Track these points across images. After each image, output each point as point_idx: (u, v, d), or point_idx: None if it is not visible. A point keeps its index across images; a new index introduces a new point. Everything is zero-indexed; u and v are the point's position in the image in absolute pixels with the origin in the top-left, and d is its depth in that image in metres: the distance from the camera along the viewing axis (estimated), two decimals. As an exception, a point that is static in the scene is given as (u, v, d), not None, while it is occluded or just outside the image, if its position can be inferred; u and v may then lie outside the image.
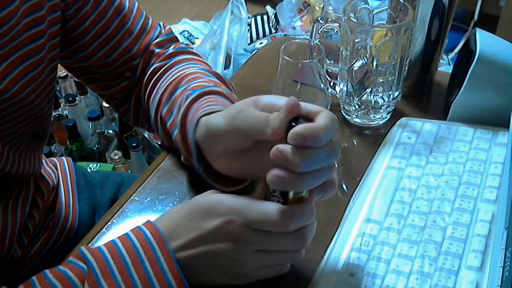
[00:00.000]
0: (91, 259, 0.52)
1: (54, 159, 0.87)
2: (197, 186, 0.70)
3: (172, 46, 0.77)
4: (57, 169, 0.84)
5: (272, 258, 0.54)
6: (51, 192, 0.79)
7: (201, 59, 0.77)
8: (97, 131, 1.65)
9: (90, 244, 0.64)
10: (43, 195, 0.77)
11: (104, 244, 0.54)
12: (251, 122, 0.54)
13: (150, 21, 0.77)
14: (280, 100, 0.54)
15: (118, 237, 0.54)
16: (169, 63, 0.74)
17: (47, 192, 0.77)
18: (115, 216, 0.67)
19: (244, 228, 0.51)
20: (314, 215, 0.53)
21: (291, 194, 0.51)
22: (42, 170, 0.78)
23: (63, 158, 0.88)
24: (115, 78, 0.76)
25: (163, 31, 0.78)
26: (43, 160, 0.80)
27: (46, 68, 0.66)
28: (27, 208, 0.73)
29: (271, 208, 0.51)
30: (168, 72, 0.73)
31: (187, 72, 0.71)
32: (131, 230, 0.55)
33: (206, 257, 0.53)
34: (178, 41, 0.79)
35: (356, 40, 0.71)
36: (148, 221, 0.55)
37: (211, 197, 0.54)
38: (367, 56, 0.72)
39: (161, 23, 0.79)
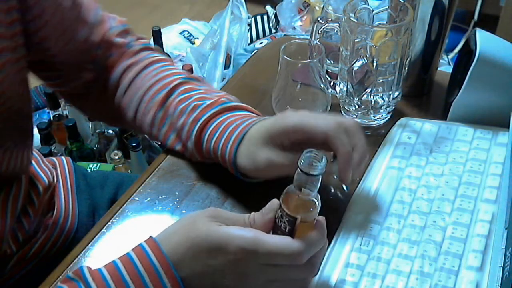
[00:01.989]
0: (93, 285, 0.50)
1: (54, 158, 0.87)
2: (197, 186, 0.70)
3: (135, 41, 0.77)
4: (56, 169, 0.84)
5: (280, 286, 0.53)
6: (47, 190, 0.78)
7: (168, 58, 0.79)
8: (97, 131, 1.65)
9: (90, 244, 0.64)
10: (38, 192, 0.76)
11: (105, 267, 0.52)
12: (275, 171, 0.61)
13: (103, 13, 0.77)
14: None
15: (119, 258, 0.52)
16: (142, 63, 0.75)
17: (42, 189, 0.77)
18: (115, 216, 0.67)
19: (254, 264, 0.51)
20: (325, 239, 0.53)
21: (298, 221, 0.51)
22: (37, 168, 0.78)
23: (63, 157, 0.88)
24: (76, 71, 0.76)
25: (114, 24, 0.78)
26: (39, 158, 0.80)
27: (13, 66, 0.65)
28: (18, 204, 0.72)
29: (282, 241, 0.50)
30: (145, 73, 0.74)
31: (176, 81, 0.73)
32: (133, 251, 0.52)
33: None
34: (133, 32, 0.80)
35: (356, 40, 0.71)
36: (150, 237, 0.53)
37: (217, 233, 0.51)
38: (367, 56, 0.72)
39: (115, 16, 0.79)
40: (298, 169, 0.50)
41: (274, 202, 0.53)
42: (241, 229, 0.51)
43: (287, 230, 0.51)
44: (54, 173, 0.83)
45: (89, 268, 0.52)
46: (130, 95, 0.75)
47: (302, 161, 0.50)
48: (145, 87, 0.73)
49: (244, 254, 0.50)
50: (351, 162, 0.60)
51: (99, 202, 0.86)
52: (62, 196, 0.82)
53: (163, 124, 0.72)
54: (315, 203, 0.51)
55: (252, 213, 0.54)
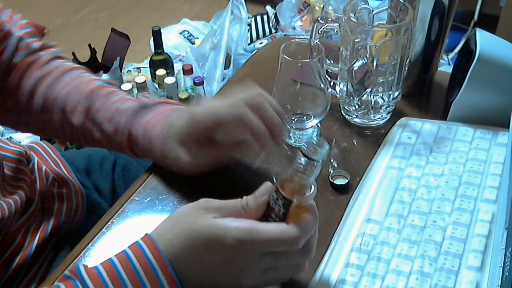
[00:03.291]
0: (89, 283, 0.50)
1: (32, 144, 0.86)
2: (197, 186, 0.70)
3: (44, 47, 0.77)
4: (37, 151, 0.84)
5: (278, 273, 0.54)
6: (21, 156, 0.77)
7: (81, 66, 0.78)
8: (97, 131, 1.65)
9: (90, 244, 0.64)
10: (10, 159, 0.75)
11: (101, 264, 0.52)
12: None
13: None
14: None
15: (116, 256, 0.52)
16: (55, 73, 0.74)
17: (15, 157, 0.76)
18: (115, 216, 0.67)
19: (252, 254, 0.51)
20: (318, 222, 0.53)
21: (293, 204, 0.51)
22: (8, 147, 0.77)
23: (40, 142, 0.88)
24: None
25: (12, 22, 0.75)
26: (7, 141, 0.79)
27: None
28: None
29: (279, 228, 0.51)
30: (59, 82, 0.73)
31: (93, 86, 0.72)
32: (129, 248, 0.52)
33: (210, 284, 0.52)
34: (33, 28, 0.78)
35: (356, 40, 0.71)
36: (146, 234, 0.53)
37: (212, 226, 0.51)
38: (367, 56, 0.72)
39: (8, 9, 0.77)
40: (300, 153, 0.51)
41: (268, 184, 0.54)
42: (235, 220, 0.51)
43: (281, 213, 0.52)
44: (30, 152, 0.82)
45: (85, 266, 0.52)
46: (49, 107, 0.73)
47: (305, 145, 0.50)
48: (63, 96, 0.72)
49: (241, 245, 0.50)
50: (265, 135, 0.65)
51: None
52: (63, 167, 0.83)
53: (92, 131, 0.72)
54: (312, 188, 0.52)
55: (245, 196, 0.54)
